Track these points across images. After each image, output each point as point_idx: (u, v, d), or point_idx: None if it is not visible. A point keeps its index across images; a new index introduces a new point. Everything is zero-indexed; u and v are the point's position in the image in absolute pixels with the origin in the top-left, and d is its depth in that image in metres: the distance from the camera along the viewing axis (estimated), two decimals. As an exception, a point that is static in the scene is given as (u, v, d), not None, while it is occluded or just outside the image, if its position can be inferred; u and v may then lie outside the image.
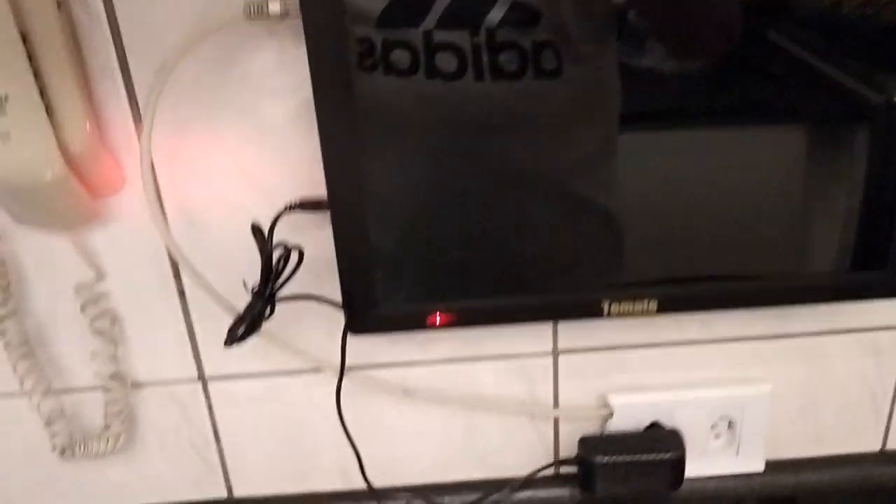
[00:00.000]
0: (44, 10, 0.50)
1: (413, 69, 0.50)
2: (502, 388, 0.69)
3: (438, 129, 0.53)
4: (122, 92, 0.56)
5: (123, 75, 0.56)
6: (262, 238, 0.55)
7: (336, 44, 0.49)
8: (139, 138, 0.57)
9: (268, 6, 0.50)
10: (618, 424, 0.70)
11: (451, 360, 0.68)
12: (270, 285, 0.55)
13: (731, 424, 0.71)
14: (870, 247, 0.54)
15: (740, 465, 0.72)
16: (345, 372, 0.63)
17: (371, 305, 0.57)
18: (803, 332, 0.68)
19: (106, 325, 0.62)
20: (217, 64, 0.56)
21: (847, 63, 0.45)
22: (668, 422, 0.70)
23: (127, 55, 0.55)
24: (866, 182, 0.48)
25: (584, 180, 0.55)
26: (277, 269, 0.55)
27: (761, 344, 0.69)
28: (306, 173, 0.59)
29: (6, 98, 0.49)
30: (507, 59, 0.49)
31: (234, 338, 0.56)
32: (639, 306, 0.58)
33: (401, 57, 0.50)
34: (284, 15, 0.50)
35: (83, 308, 0.61)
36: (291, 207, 0.56)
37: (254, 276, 0.56)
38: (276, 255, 0.54)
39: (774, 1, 0.43)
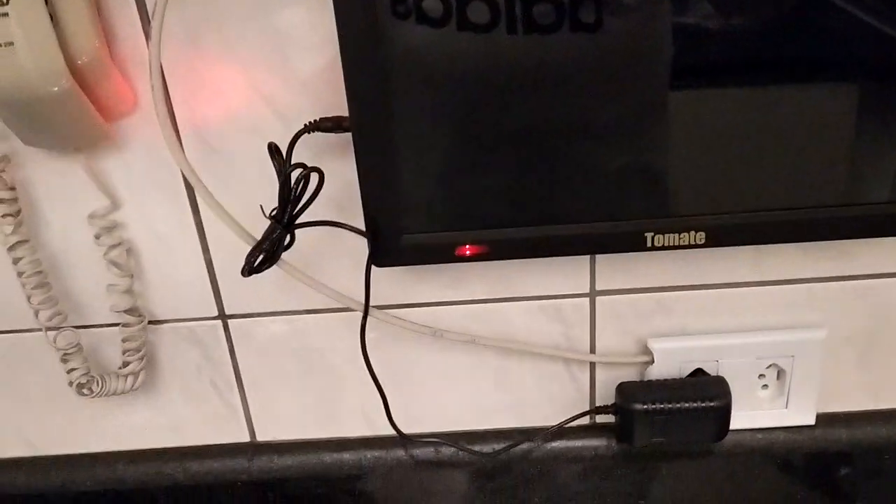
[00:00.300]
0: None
1: (445, 20, 0.47)
2: (536, 331, 0.66)
3: (469, 83, 0.50)
4: (134, 8, 0.53)
5: (135, -12, 0.52)
6: (280, 159, 0.51)
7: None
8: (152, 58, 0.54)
9: None
10: (658, 371, 0.66)
11: (481, 300, 0.64)
12: (289, 209, 0.52)
13: (780, 374, 0.67)
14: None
15: (789, 417, 0.68)
16: (370, 311, 0.60)
17: (396, 235, 0.54)
18: (863, 273, 0.63)
19: (121, 257, 0.59)
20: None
21: None
22: (712, 369, 0.66)
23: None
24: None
25: (628, 137, 0.51)
26: (296, 192, 0.51)
27: (816, 286, 0.64)
28: (326, 93, 0.55)
29: (7, 2, 0.45)
30: (541, 12, 0.47)
31: (251, 267, 0.53)
32: (685, 238, 0.54)
33: (433, 6, 0.47)
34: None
35: (97, 237, 0.59)
36: (311, 127, 0.53)
37: (272, 202, 0.53)
38: (294, 176, 0.51)
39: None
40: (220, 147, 0.57)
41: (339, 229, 0.55)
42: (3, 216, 0.56)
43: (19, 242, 0.57)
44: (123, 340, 0.62)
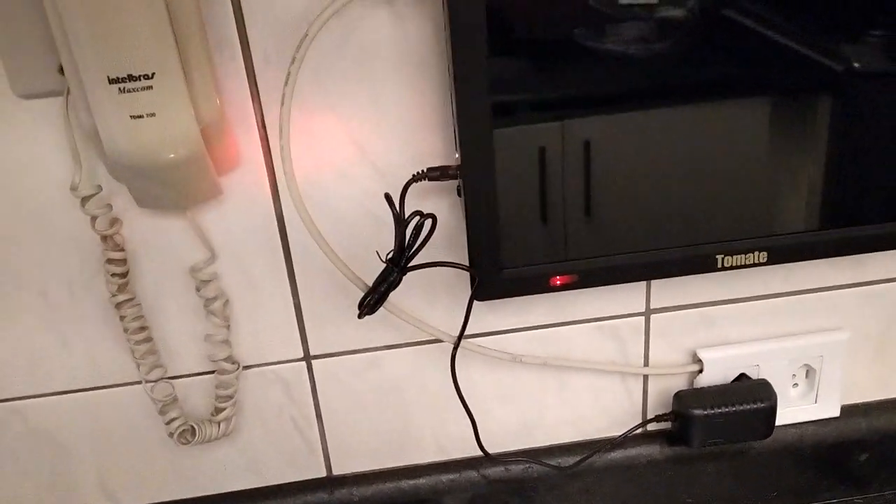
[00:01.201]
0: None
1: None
2: (593, 349, 0.71)
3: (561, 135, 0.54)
4: (241, 66, 0.56)
5: (243, 49, 0.55)
6: (395, 207, 0.55)
7: (477, 14, 0.50)
8: (255, 113, 0.57)
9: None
10: (707, 379, 0.72)
11: (544, 326, 0.70)
12: (406, 253, 0.56)
13: (808, 373, 0.74)
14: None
15: (818, 411, 0.76)
16: (435, 342, 0.64)
17: (497, 270, 0.58)
18: (876, 279, 0.72)
19: (220, 307, 0.62)
20: (332, 36, 0.56)
21: (805, 34, 0.46)
22: (753, 373, 0.73)
23: (247, 28, 0.55)
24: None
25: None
26: (413, 237, 0.55)
27: (837, 293, 0.72)
28: (422, 144, 0.60)
29: (153, 76, 0.48)
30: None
31: (371, 308, 0.56)
32: (750, 258, 0.61)
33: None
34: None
35: (198, 289, 0.61)
36: (420, 176, 0.57)
37: (366, 246, 0.56)
38: (411, 222, 0.55)
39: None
40: (319, 196, 0.61)
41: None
42: (112, 275, 0.58)
43: (126, 301, 0.59)
44: (217, 387, 0.64)
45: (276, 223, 0.62)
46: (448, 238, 0.62)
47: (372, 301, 0.56)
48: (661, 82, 0.48)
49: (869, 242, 0.61)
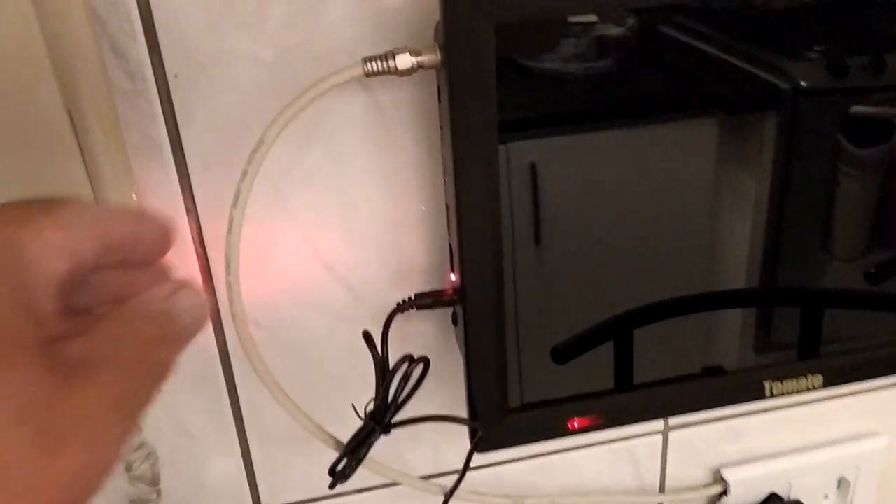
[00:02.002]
0: (89, 74, 0.36)
1: None
2: (605, 475, 0.60)
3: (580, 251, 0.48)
4: (173, 175, 0.43)
5: (174, 154, 0.42)
6: (376, 349, 0.43)
7: (486, 105, 0.38)
8: (192, 230, 0.44)
9: (395, 61, 0.38)
10: (732, 502, 0.62)
11: (550, 453, 0.58)
12: (392, 408, 0.43)
13: (840, 483, 0.65)
14: None
15: (851, 525, 0.66)
16: (420, 487, 0.52)
17: (502, 416, 0.47)
18: (918, 377, 0.63)
19: (149, 470, 0.48)
20: (295, 132, 0.43)
21: (750, 52, 0.45)
22: (784, 491, 0.63)
23: (179, 128, 0.42)
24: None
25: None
26: (400, 389, 0.43)
27: (874, 395, 0.63)
28: (405, 256, 0.48)
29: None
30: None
31: (344, 476, 0.44)
32: (802, 383, 0.50)
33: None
34: (412, 70, 0.39)
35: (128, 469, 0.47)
36: (406, 305, 0.45)
37: (339, 386, 0.44)
38: (398, 370, 0.43)
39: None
40: (273, 326, 0.48)
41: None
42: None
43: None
44: (145, 562, 0.51)
45: (219, 362, 0.48)
46: (436, 367, 0.50)
47: (347, 469, 0.44)
48: (601, 102, 0.45)
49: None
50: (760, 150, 0.48)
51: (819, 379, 0.51)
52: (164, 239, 0.28)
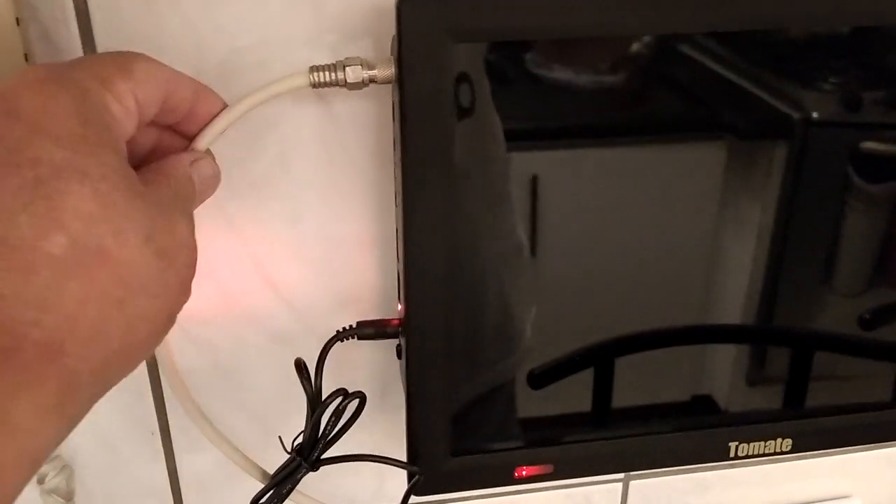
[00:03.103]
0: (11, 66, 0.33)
1: None
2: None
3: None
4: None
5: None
6: (309, 382, 0.40)
7: (442, 125, 0.35)
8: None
9: (344, 73, 0.35)
10: (693, 558, 0.59)
11: (501, 495, 0.55)
12: (320, 445, 0.40)
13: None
14: None
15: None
16: None
17: (443, 459, 0.43)
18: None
19: (63, 483, 0.45)
20: (241, 138, 0.40)
21: (764, 78, 0.44)
22: (749, 551, 0.59)
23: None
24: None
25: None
26: (330, 425, 0.40)
27: (848, 457, 0.60)
28: (348, 280, 0.45)
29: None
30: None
31: (265, 516, 0.40)
32: (770, 446, 0.47)
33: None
34: (363, 84, 0.35)
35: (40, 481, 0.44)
36: (345, 333, 0.41)
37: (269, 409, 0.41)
38: (330, 404, 0.39)
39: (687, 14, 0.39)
40: (208, 341, 0.45)
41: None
42: None
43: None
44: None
45: (147, 378, 0.45)
46: (376, 398, 0.47)
47: (269, 503, 0.41)
48: (610, 117, 0.44)
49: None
50: (767, 179, 0.46)
51: (789, 443, 0.47)
52: (213, 109, 0.33)
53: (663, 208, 0.46)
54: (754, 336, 0.49)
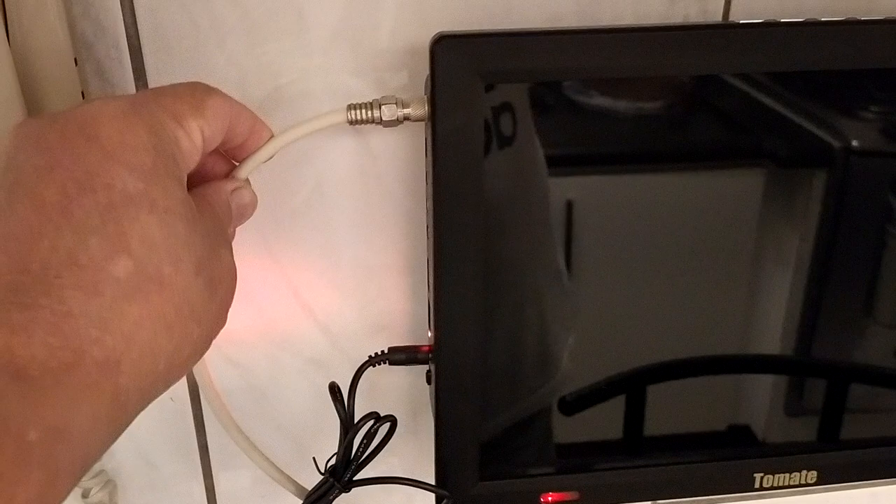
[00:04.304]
0: (67, 99, 0.35)
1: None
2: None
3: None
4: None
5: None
6: (343, 405, 0.41)
7: (472, 164, 0.37)
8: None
9: (380, 111, 0.36)
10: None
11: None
12: (352, 465, 0.41)
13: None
14: None
15: None
16: None
17: (473, 485, 0.44)
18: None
19: (104, 499, 0.47)
20: (281, 170, 0.42)
21: (804, 107, 0.44)
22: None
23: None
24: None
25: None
26: (363, 446, 0.41)
27: (879, 489, 0.59)
28: (382, 307, 0.46)
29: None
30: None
31: (298, 536, 0.42)
32: (795, 478, 0.47)
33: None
34: (397, 122, 0.37)
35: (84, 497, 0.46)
36: (378, 359, 0.43)
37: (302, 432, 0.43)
38: (362, 427, 0.41)
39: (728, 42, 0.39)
40: (247, 365, 0.46)
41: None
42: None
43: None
44: None
45: (188, 398, 0.47)
46: (407, 423, 0.49)
47: (302, 525, 0.42)
48: (648, 144, 0.44)
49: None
50: (807, 208, 0.46)
51: (814, 475, 0.48)
52: (262, 140, 0.35)
53: (701, 236, 0.46)
54: (788, 367, 0.49)
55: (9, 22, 0.33)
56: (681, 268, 0.46)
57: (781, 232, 0.47)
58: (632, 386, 0.47)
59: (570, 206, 0.44)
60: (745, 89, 0.42)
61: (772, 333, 0.48)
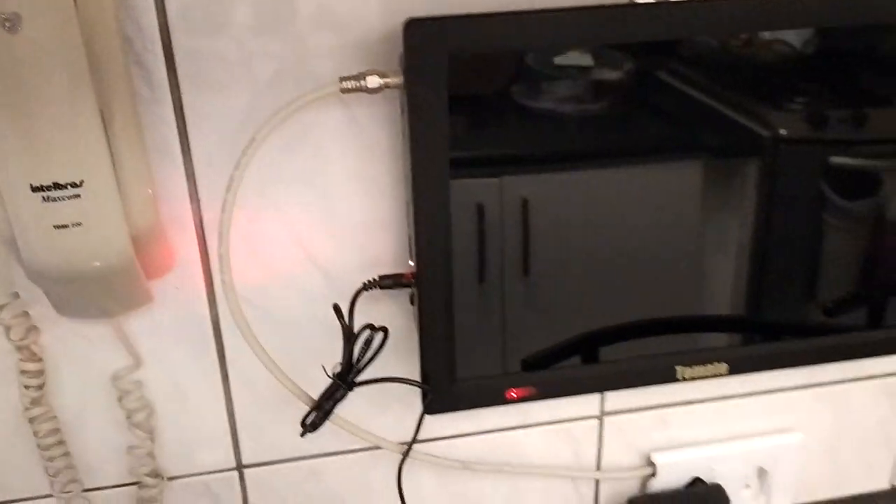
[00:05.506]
0: (118, 82, 0.45)
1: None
2: (547, 453, 0.68)
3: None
4: (181, 169, 0.52)
5: (183, 151, 0.51)
6: (344, 320, 0.51)
7: (438, 121, 0.47)
8: (194, 216, 0.53)
9: (366, 81, 0.47)
10: (660, 483, 0.70)
11: (499, 430, 0.66)
12: (354, 369, 0.52)
13: (760, 474, 0.72)
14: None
15: (770, 512, 0.74)
16: (384, 446, 0.60)
17: (450, 383, 0.55)
18: (828, 380, 0.71)
19: (143, 419, 0.56)
20: (283, 137, 0.52)
21: (735, 100, 0.47)
22: (708, 476, 0.70)
23: (188, 130, 0.51)
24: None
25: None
26: (363, 353, 0.51)
27: (792, 394, 0.71)
28: (374, 248, 0.57)
29: (82, 184, 0.44)
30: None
31: (314, 426, 0.52)
32: (709, 369, 0.59)
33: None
34: (380, 89, 0.48)
35: (120, 399, 0.55)
36: (371, 284, 0.53)
37: (309, 356, 0.53)
38: (360, 336, 0.51)
39: (664, 41, 0.43)
40: (261, 302, 0.57)
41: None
42: (26, 387, 0.52)
43: (41, 414, 0.53)
44: (139, 501, 0.59)
45: (211, 329, 0.57)
46: (398, 344, 0.59)
47: (316, 420, 0.52)
48: (594, 142, 0.47)
49: (834, 352, 0.60)
50: (743, 195, 0.50)
51: (724, 367, 0.59)
52: None
53: (648, 224, 0.50)
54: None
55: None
56: (629, 256, 0.51)
57: (722, 218, 0.51)
58: (587, 348, 0.55)
59: (525, 203, 0.49)
60: (679, 87, 0.46)
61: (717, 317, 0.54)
